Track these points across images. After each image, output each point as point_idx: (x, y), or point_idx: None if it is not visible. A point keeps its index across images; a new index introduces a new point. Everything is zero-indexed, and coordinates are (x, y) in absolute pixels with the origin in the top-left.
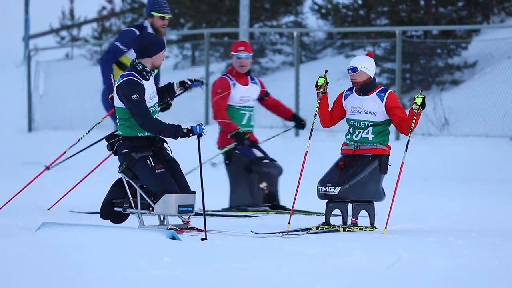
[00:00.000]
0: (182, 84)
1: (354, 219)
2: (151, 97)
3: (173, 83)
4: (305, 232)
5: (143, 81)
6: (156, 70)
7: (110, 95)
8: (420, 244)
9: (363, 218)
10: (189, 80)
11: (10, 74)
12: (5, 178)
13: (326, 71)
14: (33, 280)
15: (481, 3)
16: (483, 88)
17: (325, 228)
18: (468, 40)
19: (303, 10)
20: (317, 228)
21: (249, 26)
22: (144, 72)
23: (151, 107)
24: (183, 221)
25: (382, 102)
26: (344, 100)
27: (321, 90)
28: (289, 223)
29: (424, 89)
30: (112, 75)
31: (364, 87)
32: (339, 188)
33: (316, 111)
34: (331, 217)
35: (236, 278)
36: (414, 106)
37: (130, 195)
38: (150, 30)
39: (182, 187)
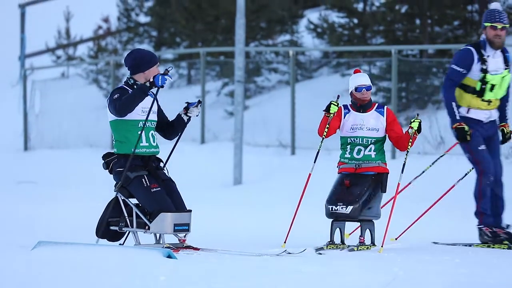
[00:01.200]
0: (185, 109)
1: (362, 238)
2: (144, 110)
3: (179, 113)
4: (318, 251)
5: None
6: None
7: (455, 125)
8: (416, 263)
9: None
10: (186, 103)
11: (6, 93)
12: (0, 197)
13: (338, 96)
14: None
15: (477, 22)
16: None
17: (336, 247)
18: None
19: (299, 29)
20: (327, 247)
21: (245, 45)
22: (135, 87)
23: (142, 120)
24: (179, 240)
25: (384, 117)
26: (344, 118)
27: (331, 114)
28: (285, 242)
29: (420, 108)
30: (454, 102)
31: (366, 104)
32: (351, 207)
33: (324, 135)
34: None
35: None
36: (410, 130)
37: (126, 214)
38: (486, 43)
39: (178, 206)
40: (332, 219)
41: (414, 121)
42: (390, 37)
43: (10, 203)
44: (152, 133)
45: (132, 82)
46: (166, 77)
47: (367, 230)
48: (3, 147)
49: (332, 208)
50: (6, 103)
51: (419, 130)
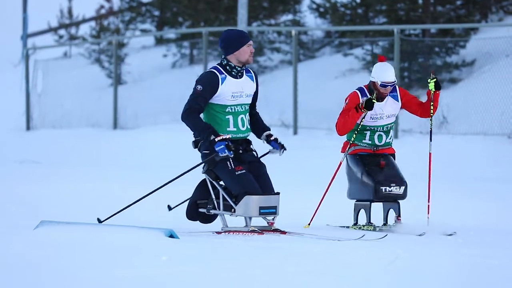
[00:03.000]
0: (268, 137)
1: (400, 218)
2: (235, 95)
3: (263, 136)
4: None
5: (229, 76)
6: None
7: None
8: (418, 243)
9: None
10: (274, 138)
11: (8, 72)
12: (3, 177)
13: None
14: (30, 278)
15: (479, 1)
16: (481, 87)
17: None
18: (467, 38)
19: (301, 9)
20: (374, 229)
21: (248, 24)
22: (228, 68)
23: (231, 105)
24: (267, 223)
25: (398, 102)
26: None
27: (366, 112)
28: (309, 224)
29: (422, 88)
30: None
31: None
32: (403, 187)
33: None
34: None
35: (235, 277)
36: (430, 93)
37: (213, 196)
38: None
39: (265, 189)
40: (374, 201)
41: (430, 82)
42: (393, 17)
43: (12, 183)
44: (242, 118)
45: (225, 62)
46: (226, 151)
47: (391, 210)
48: (5, 126)
49: (385, 189)
50: (8, 82)
51: (437, 87)
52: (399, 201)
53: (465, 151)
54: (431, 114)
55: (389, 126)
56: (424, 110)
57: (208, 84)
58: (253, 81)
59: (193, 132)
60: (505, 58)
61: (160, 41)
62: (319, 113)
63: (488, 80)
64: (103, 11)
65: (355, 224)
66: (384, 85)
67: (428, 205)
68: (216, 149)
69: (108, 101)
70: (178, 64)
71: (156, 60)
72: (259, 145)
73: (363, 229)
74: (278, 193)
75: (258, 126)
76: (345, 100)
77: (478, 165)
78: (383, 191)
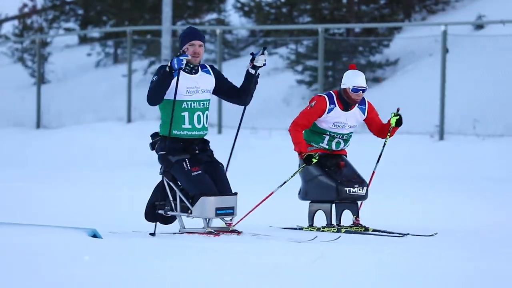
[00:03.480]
0: (251, 62)
1: (359, 219)
2: (190, 90)
3: (247, 69)
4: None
5: (182, 72)
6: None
7: None
8: (342, 242)
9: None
10: (251, 54)
11: None
12: None
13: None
14: None
15: (403, 1)
16: (404, 85)
17: (351, 229)
18: (390, 37)
19: (226, 8)
20: (339, 230)
21: (172, 23)
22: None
23: (187, 101)
24: (225, 224)
25: (364, 115)
26: (328, 113)
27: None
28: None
29: None
30: None
31: (351, 103)
32: (365, 188)
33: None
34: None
35: (155, 276)
36: (390, 125)
37: (171, 198)
38: None
39: (222, 189)
40: (334, 202)
41: (393, 117)
42: (317, 16)
43: None
44: (198, 115)
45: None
46: (181, 57)
47: (345, 212)
48: None
49: (349, 190)
50: None
51: (398, 124)
52: (357, 202)
53: (388, 149)
54: (386, 140)
55: (349, 135)
56: (381, 132)
57: (161, 73)
58: (210, 74)
59: (154, 93)
60: (428, 57)
61: (84, 40)
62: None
63: (412, 79)
64: (26, 10)
65: (311, 225)
66: (356, 90)
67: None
68: (176, 66)
69: (31, 100)
70: (102, 63)
71: (80, 59)
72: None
73: (323, 231)
74: (235, 194)
75: (243, 82)
76: (310, 102)
77: (402, 164)
78: (347, 192)
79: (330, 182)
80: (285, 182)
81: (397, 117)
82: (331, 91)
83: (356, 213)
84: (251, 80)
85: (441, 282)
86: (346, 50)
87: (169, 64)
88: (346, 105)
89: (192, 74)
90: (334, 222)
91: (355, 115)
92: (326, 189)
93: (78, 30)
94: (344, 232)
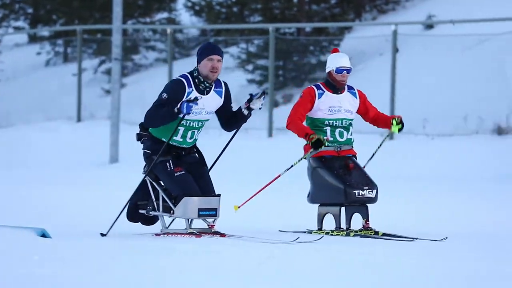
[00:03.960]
0: (247, 102)
1: (368, 222)
2: (194, 112)
3: (240, 106)
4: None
5: (195, 91)
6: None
7: None
8: (293, 243)
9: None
10: (250, 94)
11: None
12: None
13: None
14: None
15: (353, 0)
16: (355, 85)
17: (363, 233)
18: (341, 37)
19: (177, 7)
20: (348, 234)
21: (123, 22)
22: (197, 81)
23: (187, 120)
24: (208, 225)
25: (357, 99)
26: (319, 98)
27: (311, 152)
28: (239, 206)
29: (297, 86)
30: None
31: (340, 87)
32: (375, 191)
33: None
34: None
35: (107, 278)
36: (392, 130)
37: (153, 198)
38: None
39: (205, 190)
40: (344, 205)
41: (395, 125)
42: (268, 15)
43: None
44: (193, 132)
45: (196, 74)
46: (191, 104)
47: (355, 214)
48: None
49: (358, 193)
50: None
51: (400, 130)
52: (367, 205)
53: None
54: (382, 142)
55: (348, 121)
56: (377, 121)
57: (173, 95)
58: (220, 96)
59: (156, 123)
60: (379, 57)
61: (33, 38)
62: None
63: (362, 79)
64: None
65: (320, 229)
66: (340, 70)
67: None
68: (184, 111)
69: None
70: (52, 62)
71: (29, 58)
72: (210, 148)
73: (332, 235)
74: (218, 195)
75: (234, 113)
76: (300, 94)
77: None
78: (356, 194)
79: (339, 184)
80: (292, 166)
81: (399, 126)
82: (318, 83)
83: (366, 216)
84: (242, 119)
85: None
86: (297, 50)
87: (178, 106)
88: (335, 90)
89: (204, 94)
90: (343, 225)
91: (348, 99)
92: (334, 192)
93: (28, 29)
94: (353, 236)
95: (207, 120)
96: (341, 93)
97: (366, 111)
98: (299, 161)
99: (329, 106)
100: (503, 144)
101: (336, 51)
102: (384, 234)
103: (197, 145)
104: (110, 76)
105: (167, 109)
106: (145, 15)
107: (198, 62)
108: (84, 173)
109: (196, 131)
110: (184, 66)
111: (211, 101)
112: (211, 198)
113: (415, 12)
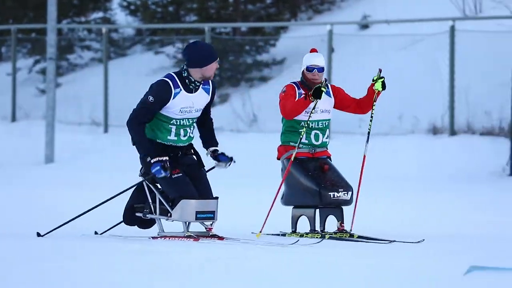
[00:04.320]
0: (213, 153)
1: (343, 225)
2: (184, 110)
3: (207, 151)
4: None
5: (183, 90)
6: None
7: None
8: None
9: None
10: (220, 153)
11: None
12: None
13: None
14: None
15: (289, 0)
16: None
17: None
18: (277, 37)
19: (112, 7)
20: (323, 236)
21: (57, 22)
22: (187, 81)
23: (179, 119)
24: (205, 228)
25: (331, 97)
26: (298, 97)
27: (316, 101)
28: (260, 231)
29: (233, 85)
30: None
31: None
32: (350, 192)
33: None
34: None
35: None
36: (373, 89)
37: (150, 200)
38: None
39: (203, 193)
40: (318, 207)
41: (377, 81)
42: (204, 15)
43: None
44: (185, 129)
45: (185, 74)
46: (163, 173)
47: (330, 217)
48: None
49: (333, 194)
50: None
51: (384, 87)
52: (342, 207)
53: (276, 148)
54: (372, 110)
55: (324, 122)
56: (359, 105)
57: (159, 97)
58: (208, 94)
59: (133, 143)
60: None
61: None
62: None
63: (298, 78)
64: None
65: (294, 231)
66: (310, 68)
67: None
68: (153, 171)
69: None
70: None
71: None
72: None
73: (306, 237)
74: (216, 198)
75: (206, 138)
76: (282, 90)
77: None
78: (331, 196)
79: (313, 186)
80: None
81: (382, 79)
82: (295, 81)
83: (340, 218)
84: (211, 148)
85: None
86: (232, 49)
87: (152, 161)
88: (310, 90)
89: (192, 92)
90: (318, 228)
91: (324, 98)
92: (309, 194)
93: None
94: (328, 238)
95: (197, 117)
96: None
97: (344, 104)
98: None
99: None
100: (438, 144)
101: (314, 51)
102: (359, 237)
103: (194, 146)
104: (45, 76)
105: (143, 146)
106: (80, 14)
107: (203, 65)
108: (19, 173)
109: (188, 128)
110: (120, 65)
111: (200, 99)
112: (208, 200)
113: (350, 12)
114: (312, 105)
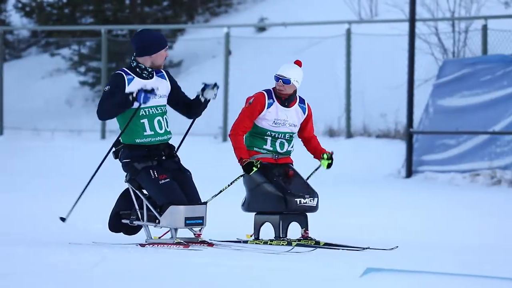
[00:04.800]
0: (202, 90)
1: (308, 232)
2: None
3: (197, 93)
4: (289, 249)
5: (136, 77)
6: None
7: None
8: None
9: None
10: (203, 84)
11: None
12: None
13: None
14: None
15: (186, 3)
16: (188, 88)
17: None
18: (174, 39)
19: (7, 8)
20: (289, 243)
21: None
22: (138, 69)
23: (144, 108)
24: (194, 234)
25: (304, 114)
26: (267, 108)
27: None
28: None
29: None
30: None
31: (290, 98)
32: (316, 199)
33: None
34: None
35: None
36: (321, 164)
37: (137, 207)
38: None
39: (191, 198)
40: (282, 213)
41: (325, 161)
42: (100, 17)
43: None
44: (158, 120)
45: (134, 64)
46: (149, 95)
47: (292, 224)
48: None
49: (299, 201)
50: None
51: (329, 167)
52: (307, 213)
53: (181, 152)
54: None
55: (291, 135)
56: (311, 149)
57: (114, 84)
58: (165, 79)
59: (108, 115)
60: (211, 59)
61: None
62: (25, 114)
63: (195, 81)
64: None
65: (257, 238)
66: (276, 78)
67: None
68: (141, 101)
69: None
70: None
71: None
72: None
73: (271, 244)
74: (205, 203)
75: (193, 101)
76: (248, 101)
77: (190, 166)
78: (297, 203)
79: (278, 192)
80: (220, 192)
81: (329, 161)
82: (270, 88)
83: (305, 225)
84: (200, 106)
85: None
86: (129, 52)
87: (134, 95)
88: (284, 101)
89: (148, 79)
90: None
91: (297, 113)
92: (274, 200)
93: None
94: (295, 246)
95: (165, 106)
96: (289, 106)
97: (304, 128)
98: (229, 185)
99: (275, 118)
100: (335, 146)
101: (297, 63)
102: (326, 244)
103: (175, 149)
104: None
105: (120, 96)
106: None
107: (152, 53)
108: None
109: (161, 118)
110: (15, 67)
111: (159, 84)
112: (197, 206)
113: (247, 15)
114: (281, 116)
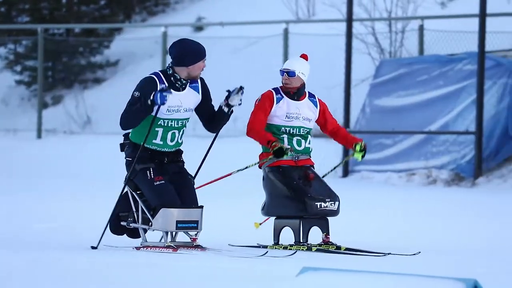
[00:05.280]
0: (226, 99)
1: (329, 236)
2: (171, 109)
3: (220, 104)
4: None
5: (171, 89)
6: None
7: None
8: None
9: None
10: (227, 91)
11: None
12: None
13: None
14: None
15: (123, 2)
16: (125, 87)
17: (322, 247)
18: (111, 38)
19: None
20: (309, 248)
21: None
22: (172, 79)
23: (165, 119)
24: (190, 238)
25: (317, 108)
26: (277, 103)
27: (271, 158)
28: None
29: (67, 87)
30: None
31: (299, 92)
32: (337, 203)
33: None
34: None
35: None
36: (355, 157)
37: (134, 209)
38: None
39: (187, 202)
40: (302, 218)
41: (358, 152)
42: (36, 16)
43: None
44: (173, 132)
45: (170, 72)
46: (165, 93)
47: (313, 228)
48: None
49: (320, 205)
50: None
51: (363, 157)
52: (328, 218)
53: (109, 150)
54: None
55: (306, 130)
56: (334, 134)
57: (145, 92)
58: (197, 92)
59: (130, 122)
60: (148, 58)
61: None
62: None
63: (132, 80)
64: None
65: (277, 243)
66: (281, 72)
67: None
68: (158, 102)
69: None
70: None
71: None
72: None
73: (291, 249)
74: (201, 207)
75: (216, 112)
76: (256, 101)
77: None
78: (318, 207)
79: (299, 196)
80: (247, 167)
81: (362, 153)
82: (277, 86)
83: (326, 230)
84: (223, 117)
85: None
86: (66, 51)
87: (151, 98)
88: (292, 95)
89: (179, 91)
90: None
91: (307, 106)
92: (294, 204)
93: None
94: (315, 251)
95: (187, 119)
96: (299, 100)
97: (324, 122)
98: (254, 164)
99: (286, 112)
100: None
101: (303, 56)
102: (347, 249)
103: (182, 155)
104: None
105: (140, 103)
106: None
107: (190, 64)
108: None
109: (176, 132)
110: None
111: (189, 97)
112: (191, 210)
113: (185, 14)
114: (293, 110)
